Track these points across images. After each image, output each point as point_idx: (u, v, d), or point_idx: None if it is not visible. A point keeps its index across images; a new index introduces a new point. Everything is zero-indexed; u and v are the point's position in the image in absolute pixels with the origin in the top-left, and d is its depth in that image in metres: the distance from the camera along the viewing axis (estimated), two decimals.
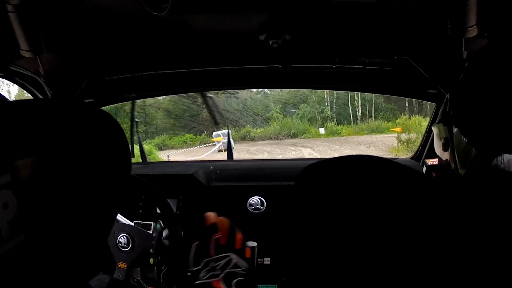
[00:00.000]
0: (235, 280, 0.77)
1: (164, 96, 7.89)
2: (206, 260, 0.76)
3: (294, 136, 12.23)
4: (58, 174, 0.41)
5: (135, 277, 1.06)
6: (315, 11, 0.95)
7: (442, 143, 0.60)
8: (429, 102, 1.49)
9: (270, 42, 1.04)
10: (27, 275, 0.40)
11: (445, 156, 0.60)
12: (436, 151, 0.64)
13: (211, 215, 0.81)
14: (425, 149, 1.49)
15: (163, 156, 9.38)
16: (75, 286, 0.45)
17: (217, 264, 0.76)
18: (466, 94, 0.53)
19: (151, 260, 1.03)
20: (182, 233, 1.11)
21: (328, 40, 1.16)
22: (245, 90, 10.49)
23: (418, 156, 1.55)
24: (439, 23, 0.89)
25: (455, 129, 0.55)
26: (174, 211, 1.19)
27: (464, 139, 0.53)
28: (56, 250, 0.41)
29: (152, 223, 1.12)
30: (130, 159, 0.50)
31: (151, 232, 1.07)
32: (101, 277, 1.01)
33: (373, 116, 12.92)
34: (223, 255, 0.77)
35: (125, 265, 1.04)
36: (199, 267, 0.76)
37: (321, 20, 1.02)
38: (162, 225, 1.06)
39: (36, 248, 0.40)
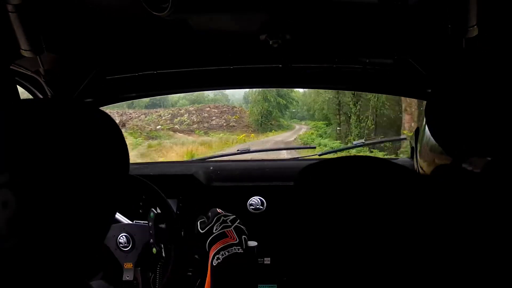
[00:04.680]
0: (243, 236, 0.82)
1: None
2: (217, 216, 0.85)
3: None
4: (57, 173, 0.41)
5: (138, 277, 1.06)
6: (315, 11, 0.95)
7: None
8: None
9: (271, 42, 1.04)
10: (25, 274, 0.40)
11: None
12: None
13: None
14: None
15: None
16: (74, 285, 0.45)
17: (226, 218, 0.85)
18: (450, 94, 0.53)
19: (154, 250, 1.03)
20: (182, 233, 1.11)
21: (328, 40, 1.16)
22: None
23: None
24: (440, 23, 0.88)
25: (429, 129, 0.55)
26: (175, 211, 1.20)
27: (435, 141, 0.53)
28: (54, 250, 0.42)
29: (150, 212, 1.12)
30: (128, 159, 0.50)
31: (147, 223, 1.07)
32: (99, 283, 1.01)
33: None
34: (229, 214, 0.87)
35: (131, 265, 1.04)
36: (212, 223, 0.83)
37: (322, 20, 1.02)
38: (155, 211, 1.06)
39: (34, 247, 0.40)
